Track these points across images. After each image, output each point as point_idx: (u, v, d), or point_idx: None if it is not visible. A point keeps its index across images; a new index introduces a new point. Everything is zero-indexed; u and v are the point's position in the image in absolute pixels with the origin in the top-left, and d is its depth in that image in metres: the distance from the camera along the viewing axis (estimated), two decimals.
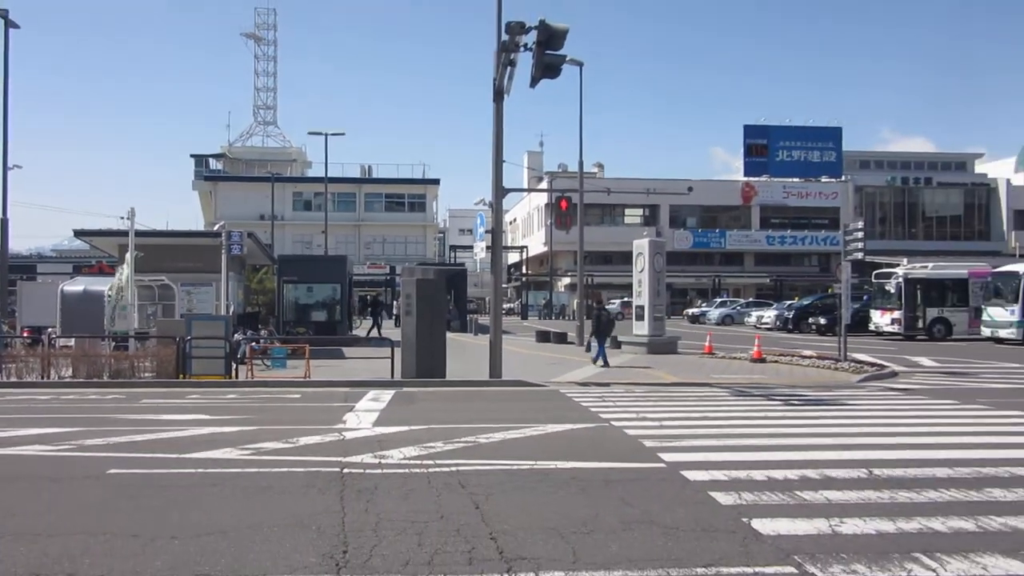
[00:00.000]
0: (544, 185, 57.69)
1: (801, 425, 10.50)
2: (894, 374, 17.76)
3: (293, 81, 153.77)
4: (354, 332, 31.93)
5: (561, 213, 22.83)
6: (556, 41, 14.87)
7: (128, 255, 18.85)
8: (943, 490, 6.75)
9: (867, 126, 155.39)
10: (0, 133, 23.83)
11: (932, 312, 31.64)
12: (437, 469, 7.55)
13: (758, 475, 7.28)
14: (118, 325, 18.64)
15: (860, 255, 19.35)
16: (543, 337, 29.09)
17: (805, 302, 40.15)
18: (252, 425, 10.39)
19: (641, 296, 24.54)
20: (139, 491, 6.77)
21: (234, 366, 16.47)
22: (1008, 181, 65.71)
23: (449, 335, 18.19)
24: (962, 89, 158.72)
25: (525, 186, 65.48)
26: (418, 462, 7.89)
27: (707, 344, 23.55)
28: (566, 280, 61.63)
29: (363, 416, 11.23)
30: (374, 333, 31.04)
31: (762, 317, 41.82)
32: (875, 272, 34.65)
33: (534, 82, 15.34)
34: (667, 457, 8.12)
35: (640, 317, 24.54)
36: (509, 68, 15.49)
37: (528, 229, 72.97)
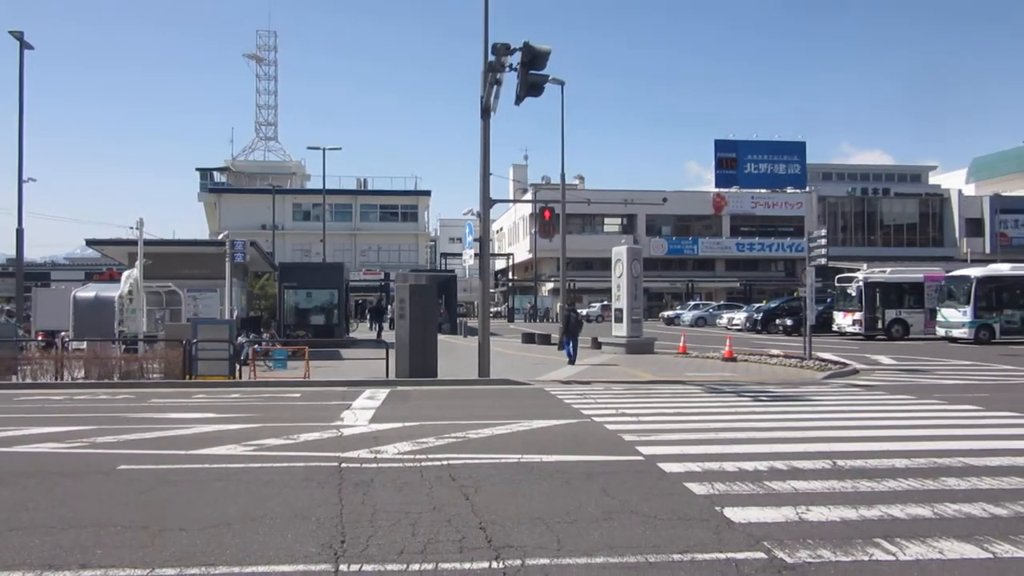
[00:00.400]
0: (529, 196, 57.82)
1: (770, 419, 10.52)
2: (856, 371, 17.81)
3: (293, 99, 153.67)
4: (351, 335, 31.92)
5: (545, 222, 22.96)
6: (539, 61, 14.93)
7: (137, 262, 18.76)
8: (902, 479, 6.79)
9: (828, 139, 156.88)
10: (16, 148, 23.75)
11: (891, 313, 31.85)
12: (429, 463, 7.52)
13: (730, 467, 7.30)
14: (127, 326, 18.50)
15: (823, 261, 19.43)
16: (528, 339, 29.09)
17: (773, 305, 40.28)
18: (255, 423, 10.33)
19: (620, 300, 24.58)
20: (148, 486, 6.72)
21: (238, 367, 16.41)
22: (960, 191, 66.90)
23: (440, 337, 18.15)
24: (917, 104, 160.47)
25: (511, 197, 65.81)
26: (411, 457, 7.86)
27: (681, 344, 23.63)
28: (550, 285, 61.62)
29: (360, 414, 11.18)
30: (380, 334, 31.26)
31: (733, 319, 41.93)
32: (837, 276, 34.84)
33: (519, 100, 15.38)
34: (645, 450, 8.13)
35: (619, 319, 24.58)
36: (495, 87, 15.51)
37: (514, 237, 73.02)
